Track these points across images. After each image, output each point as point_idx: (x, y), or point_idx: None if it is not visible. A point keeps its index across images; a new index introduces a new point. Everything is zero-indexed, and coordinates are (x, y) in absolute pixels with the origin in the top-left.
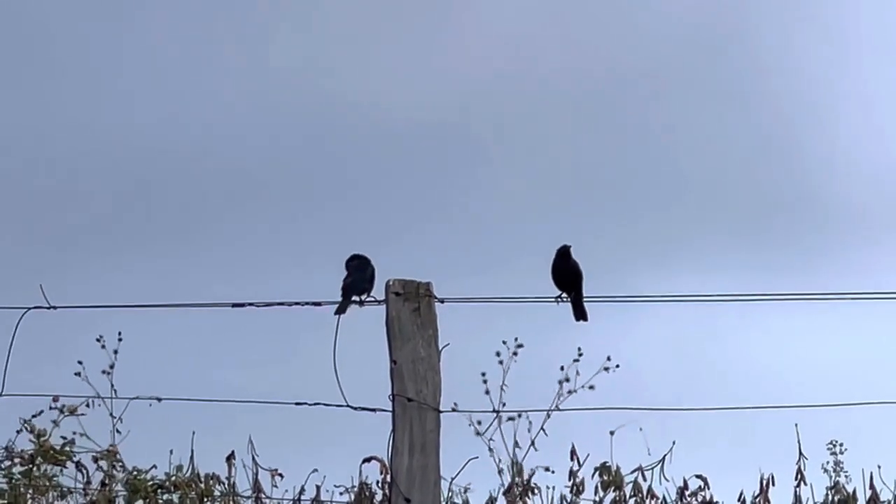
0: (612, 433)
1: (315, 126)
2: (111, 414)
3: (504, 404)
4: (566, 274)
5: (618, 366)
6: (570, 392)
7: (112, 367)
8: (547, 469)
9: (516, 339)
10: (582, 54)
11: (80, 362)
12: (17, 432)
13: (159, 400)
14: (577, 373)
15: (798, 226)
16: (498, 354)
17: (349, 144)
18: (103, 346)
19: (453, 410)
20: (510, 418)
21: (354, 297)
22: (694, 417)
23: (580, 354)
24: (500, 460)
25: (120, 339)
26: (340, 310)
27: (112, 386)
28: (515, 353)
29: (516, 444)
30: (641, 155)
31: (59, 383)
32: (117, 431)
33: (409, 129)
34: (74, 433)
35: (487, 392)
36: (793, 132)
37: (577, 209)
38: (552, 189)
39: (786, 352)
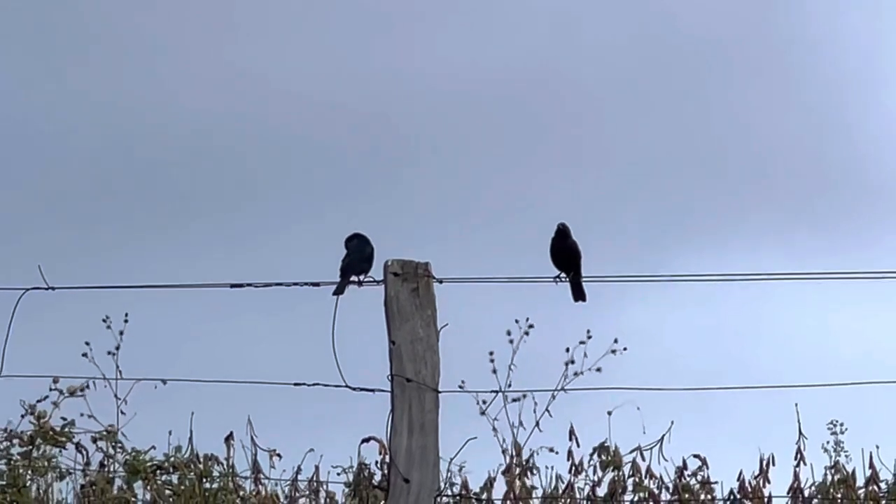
0: (609, 413)
1: (309, 110)
2: (116, 395)
3: (510, 385)
4: (565, 253)
5: (625, 348)
6: (576, 374)
7: (118, 348)
8: (551, 450)
9: (528, 320)
10: (627, 29)
11: (87, 343)
12: (22, 416)
13: (164, 382)
14: (585, 354)
15: (850, 204)
16: (508, 333)
17: (348, 127)
18: (109, 327)
19: (459, 390)
20: (514, 399)
21: (353, 278)
22: (699, 397)
23: (588, 337)
24: (504, 440)
25: (126, 321)
26: (339, 290)
27: (117, 367)
28: (527, 333)
29: (520, 425)
30: (691, 132)
31: (60, 364)
32: (121, 413)
33: (412, 111)
34: (82, 415)
35: (495, 371)
36: (845, 109)
37: (624, 188)
38: (597, 169)
39: (831, 331)
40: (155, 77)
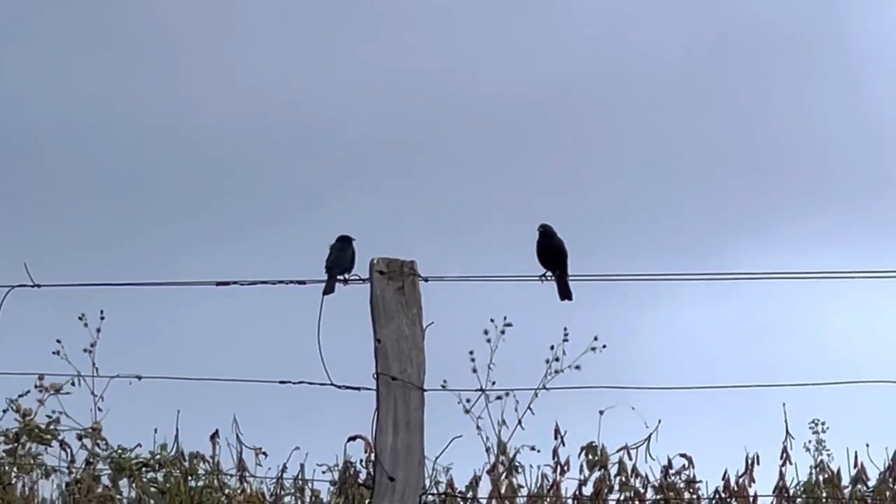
0: (601, 413)
1: (298, 110)
2: (93, 392)
3: (493, 383)
4: (551, 252)
5: (605, 346)
6: (556, 372)
7: (93, 345)
8: (532, 448)
9: (505, 318)
10: (684, 25)
11: (58, 341)
12: (4, 412)
13: (139, 378)
14: (564, 352)
15: None
16: (486, 333)
17: (336, 127)
18: (86, 325)
19: (442, 388)
20: (498, 397)
21: (339, 277)
22: (690, 396)
23: (566, 336)
24: (487, 438)
25: (102, 318)
26: (329, 289)
27: (94, 364)
28: (503, 332)
29: (503, 423)
30: (748, 129)
31: (45, 361)
32: (98, 410)
33: (403, 112)
34: (54, 412)
35: (475, 370)
36: None
37: (679, 185)
38: (649, 165)
39: (825, 330)
40: (140, 76)
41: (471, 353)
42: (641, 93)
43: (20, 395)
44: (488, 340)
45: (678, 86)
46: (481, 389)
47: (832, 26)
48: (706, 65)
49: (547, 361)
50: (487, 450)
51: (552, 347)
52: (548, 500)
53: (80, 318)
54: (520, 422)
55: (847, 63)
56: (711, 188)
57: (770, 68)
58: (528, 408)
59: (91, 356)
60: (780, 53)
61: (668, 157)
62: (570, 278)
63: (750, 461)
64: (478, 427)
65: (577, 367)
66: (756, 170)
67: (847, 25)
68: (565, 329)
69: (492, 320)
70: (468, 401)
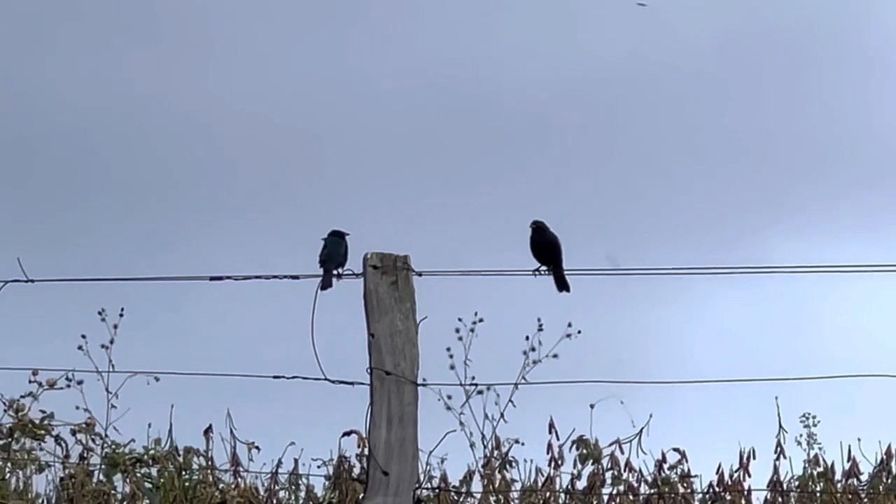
0: (591, 406)
1: (295, 102)
2: (107, 389)
3: (474, 378)
4: (544, 247)
5: (580, 331)
6: (534, 362)
7: (112, 341)
8: (517, 441)
9: (476, 314)
10: (714, 17)
11: (83, 336)
12: (4, 411)
13: (157, 379)
14: (540, 342)
15: None
16: (457, 331)
17: (328, 118)
18: (104, 320)
19: (437, 383)
20: (479, 392)
21: (333, 271)
22: (684, 390)
23: (540, 326)
24: (471, 434)
25: (122, 315)
26: (327, 284)
27: (110, 360)
28: (472, 330)
29: (487, 418)
30: (779, 121)
31: (41, 357)
32: (113, 406)
33: (401, 106)
34: (78, 408)
35: (452, 367)
36: None
37: (712, 178)
38: (681, 160)
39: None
40: (137, 74)
41: (448, 349)
42: (668, 84)
43: (23, 397)
44: (460, 339)
45: (706, 77)
46: (466, 384)
47: (863, 14)
48: (735, 55)
49: (525, 353)
50: (472, 445)
51: (527, 338)
52: (541, 494)
53: (99, 314)
54: (502, 415)
55: (880, 52)
56: (734, 180)
57: (801, 57)
58: (510, 401)
59: (108, 352)
60: (810, 42)
61: (698, 152)
62: (566, 272)
63: (745, 455)
64: (461, 423)
65: (555, 356)
66: (775, 162)
67: (879, 13)
68: (539, 320)
69: (459, 319)
70: (449, 397)
